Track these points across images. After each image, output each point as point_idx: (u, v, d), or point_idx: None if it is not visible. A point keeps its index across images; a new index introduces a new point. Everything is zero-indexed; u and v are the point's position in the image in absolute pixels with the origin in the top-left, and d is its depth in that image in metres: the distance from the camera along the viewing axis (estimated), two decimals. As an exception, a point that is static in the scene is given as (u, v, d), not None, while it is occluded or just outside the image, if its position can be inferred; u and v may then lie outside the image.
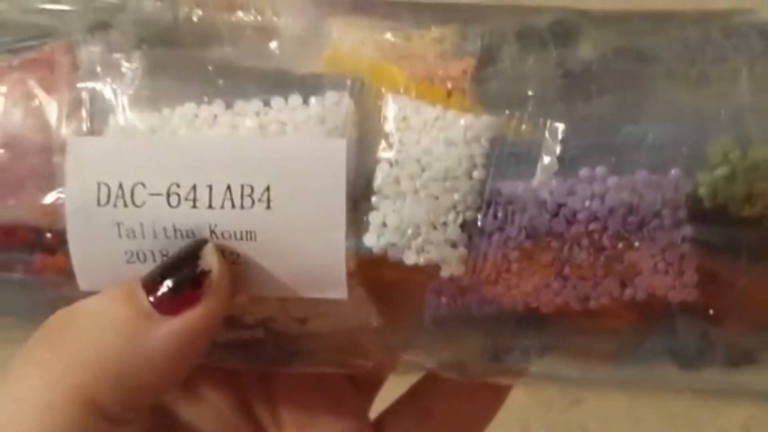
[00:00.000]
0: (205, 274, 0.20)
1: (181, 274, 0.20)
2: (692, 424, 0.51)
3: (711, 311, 0.21)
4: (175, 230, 0.21)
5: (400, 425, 0.27)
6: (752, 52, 0.21)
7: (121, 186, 0.21)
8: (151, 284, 0.20)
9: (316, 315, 0.22)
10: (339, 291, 0.21)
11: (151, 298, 0.20)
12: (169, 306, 0.20)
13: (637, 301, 0.21)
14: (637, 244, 0.20)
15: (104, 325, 0.20)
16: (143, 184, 0.21)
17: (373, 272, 0.21)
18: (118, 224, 0.21)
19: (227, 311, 0.20)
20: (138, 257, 0.21)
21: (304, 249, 0.20)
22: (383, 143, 0.21)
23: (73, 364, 0.20)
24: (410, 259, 0.20)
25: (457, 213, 0.20)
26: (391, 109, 0.21)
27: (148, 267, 0.21)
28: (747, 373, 0.23)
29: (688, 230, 0.20)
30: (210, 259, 0.20)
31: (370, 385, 0.28)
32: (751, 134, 0.20)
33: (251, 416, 0.26)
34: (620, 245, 0.20)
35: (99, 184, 0.21)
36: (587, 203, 0.20)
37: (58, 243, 0.21)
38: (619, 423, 0.51)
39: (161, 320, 0.20)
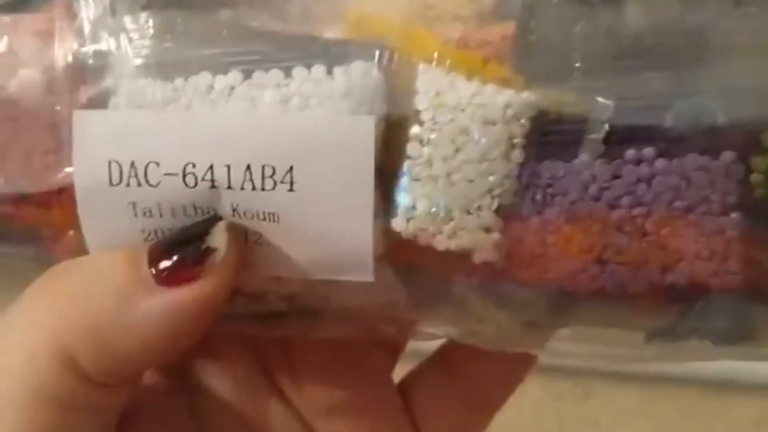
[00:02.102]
0: (209, 252, 0.19)
1: (186, 248, 0.19)
2: (703, 418, 0.52)
3: (751, 294, 0.20)
4: (195, 209, 0.20)
5: (429, 386, 0.26)
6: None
7: (133, 164, 0.19)
8: (157, 253, 0.19)
9: (341, 294, 0.21)
10: (366, 274, 0.20)
11: (152, 268, 0.19)
12: (167, 278, 0.19)
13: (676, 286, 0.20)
14: (681, 230, 0.19)
15: (99, 281, 0.19)
16: (157, 163, 0.19)
17: (402, 254, 0.20)
18: (133, 204, 0.20)
19: (227, 295, 0.19)
20: (157, 235, 0.20)
21: (330, 232, 0.19)
22: (414, 120, 0.19)
23: (58, 312, 0.19)
24: (441, 244, 0.19)
25: (493, 197, 0.19)
26: (422, 83, 0.19)
27: (166, 247, 0.20)
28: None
29: (736, 217, 0.19)
30: (218, 239, 0.19)
31: (392, 346, 0.27)
32: (812, 115, 0.19)
33: (270, 378, 0.26)
34: (664, 231, 0.19)
35: (110, 163, 0.19)
36: (632, 187, 0.19)
37: (69, 220, 0.20)
38: (630, 416, 0.52)
39: (156, 290, 0.19)
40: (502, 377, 0.26)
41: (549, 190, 0.19)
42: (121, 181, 0.19)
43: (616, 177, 0.19)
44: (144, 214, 0.20)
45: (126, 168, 0.19)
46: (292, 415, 0.25)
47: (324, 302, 0.22)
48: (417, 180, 0.19)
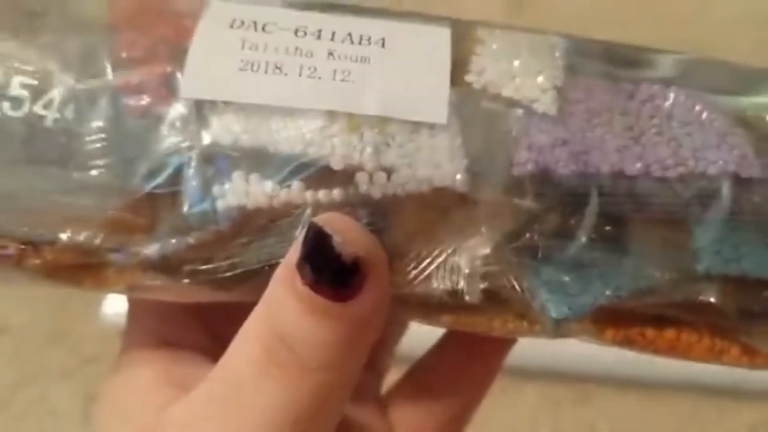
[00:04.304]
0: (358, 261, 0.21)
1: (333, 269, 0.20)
2: (699, 425, 0.52)
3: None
4: (296, 49, 0.23)
5: (401, 402, 0.28)
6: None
7: (254, 22, 0.24)
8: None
9: (404, 163, 0.22)
10: (439, 115, 0.22)
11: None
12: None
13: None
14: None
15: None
16: (275, 23, 0.24)
17: (471, 105, 0.22)
18: (243, 40, 0.23)
19: None
20: (251, 66, 0.22)
21: (413, 74, 0.23)
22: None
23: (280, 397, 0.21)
24: (507, 92, 0.23)
25: (546, 78, 0.23)
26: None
27: (258, 77, 0.22)
28: None
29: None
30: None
31: (378, 369, 0.29)
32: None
33: None
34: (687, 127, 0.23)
35: (233, 19, 0.24)
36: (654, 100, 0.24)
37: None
38: (627, 422, 0.51)
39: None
40: (469, 389, 0.28)
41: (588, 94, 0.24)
42: (241, 27, 0.23)
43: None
44: (249, 47, 0.23)
45: (248, 22, 0.23)
46: None
47: (385, 181, 0.22)
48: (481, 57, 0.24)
